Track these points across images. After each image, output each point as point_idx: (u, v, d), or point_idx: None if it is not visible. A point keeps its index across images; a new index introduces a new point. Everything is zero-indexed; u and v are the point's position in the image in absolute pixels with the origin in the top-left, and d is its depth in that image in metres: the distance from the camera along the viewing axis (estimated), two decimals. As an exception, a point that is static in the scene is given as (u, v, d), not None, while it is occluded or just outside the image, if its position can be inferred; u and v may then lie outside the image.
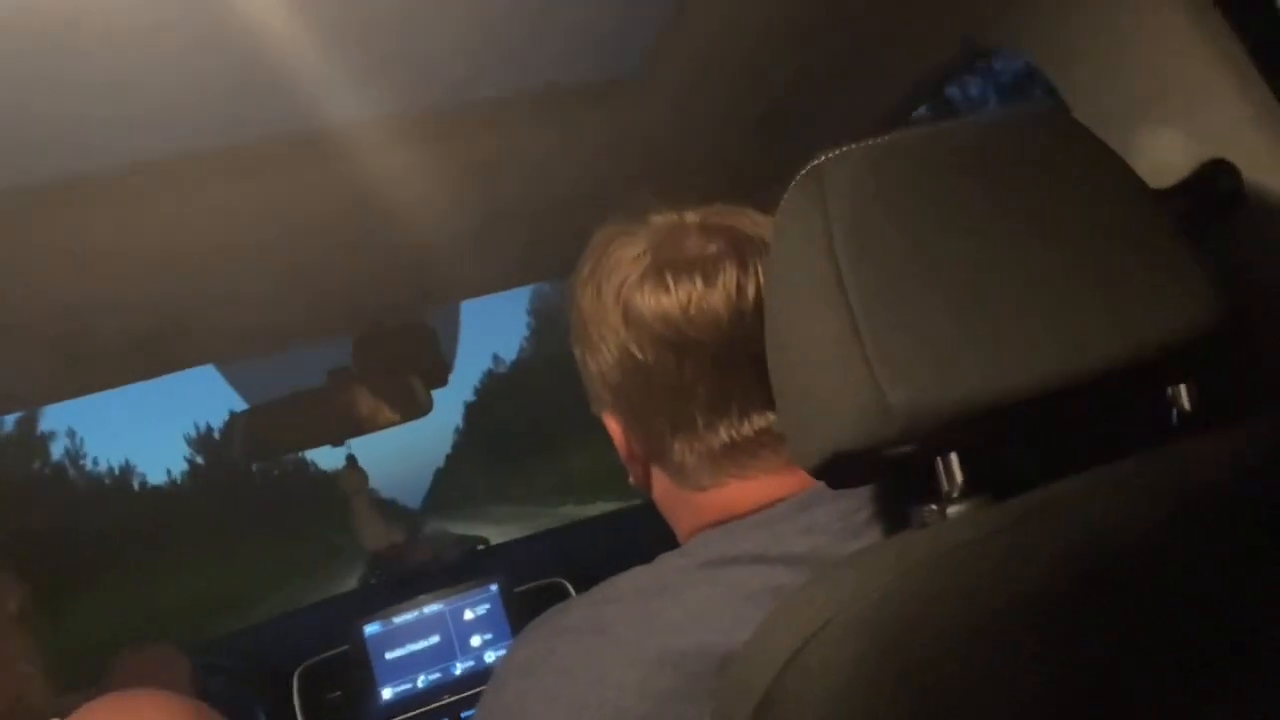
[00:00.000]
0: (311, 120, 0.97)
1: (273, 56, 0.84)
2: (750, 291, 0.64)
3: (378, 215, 1.20)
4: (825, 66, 1.11)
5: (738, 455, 0.66)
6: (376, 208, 1.17)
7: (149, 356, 1.41)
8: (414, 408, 1.64)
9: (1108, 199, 0.51)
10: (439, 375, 1.70)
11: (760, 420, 0.65)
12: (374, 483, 1.87)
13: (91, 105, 0.86)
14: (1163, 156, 0.77)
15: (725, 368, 0.64)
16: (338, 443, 1.66)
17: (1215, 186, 0.73)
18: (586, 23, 0.98)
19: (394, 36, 0.89)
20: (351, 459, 1.80)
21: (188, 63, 0.84)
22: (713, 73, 1.09)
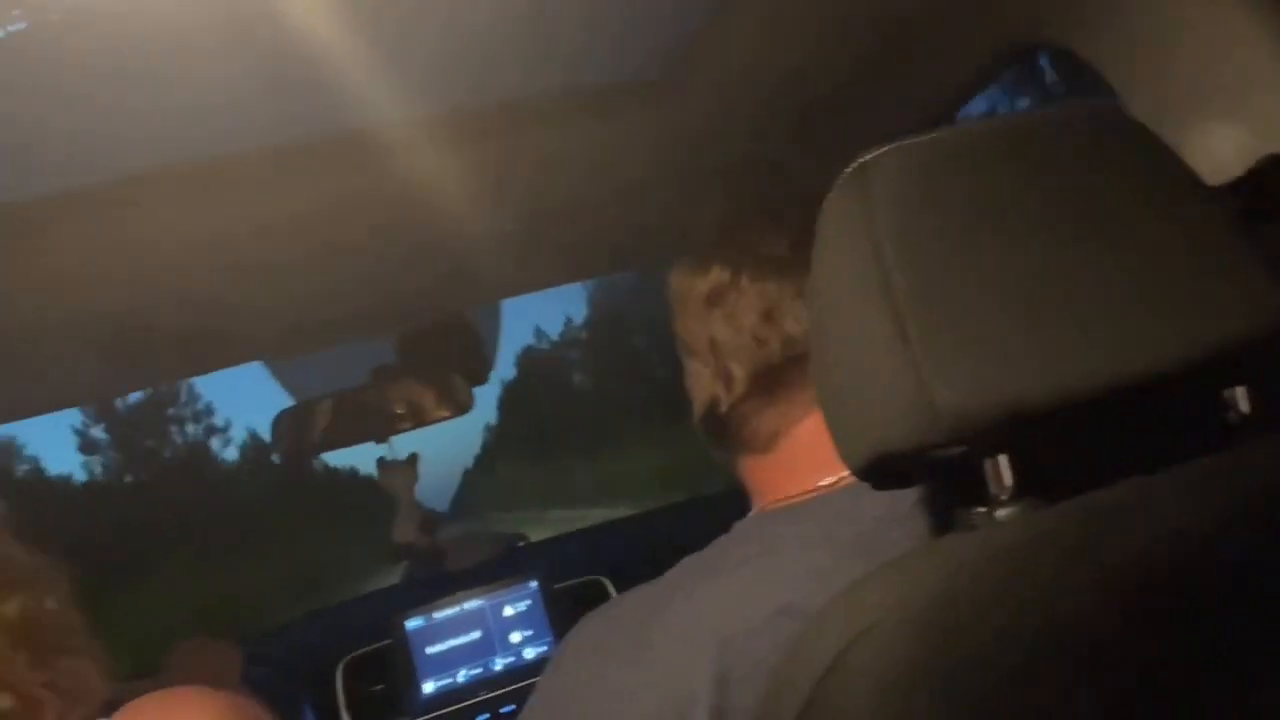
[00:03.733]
0: (358, 120, 0.99)
1: (319, 57, 0.85)
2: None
3: (422, 214, 1.21)
4: (869, 64, 1.09)
5: (777, 383, 0.68)
6: (421, 207, 1.18)
7: (196, 355, 1.44)
8: (456, 404, 1.67)
9: (1163, 196, 0.50)
10: (480, 372, 1.72)
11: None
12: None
13: (145, 108, 0.88)
14: (1218, 152, 0.75)
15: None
16: (381, 440, 1.69)
17: (1273, 183, 0.71)
18: (627, 21, 0.98)
19: (437, 36, 0.90)
20: (413, 457, 1.79)
21: (236, 64, 0.86)
22: (754, 71, 1.08)
